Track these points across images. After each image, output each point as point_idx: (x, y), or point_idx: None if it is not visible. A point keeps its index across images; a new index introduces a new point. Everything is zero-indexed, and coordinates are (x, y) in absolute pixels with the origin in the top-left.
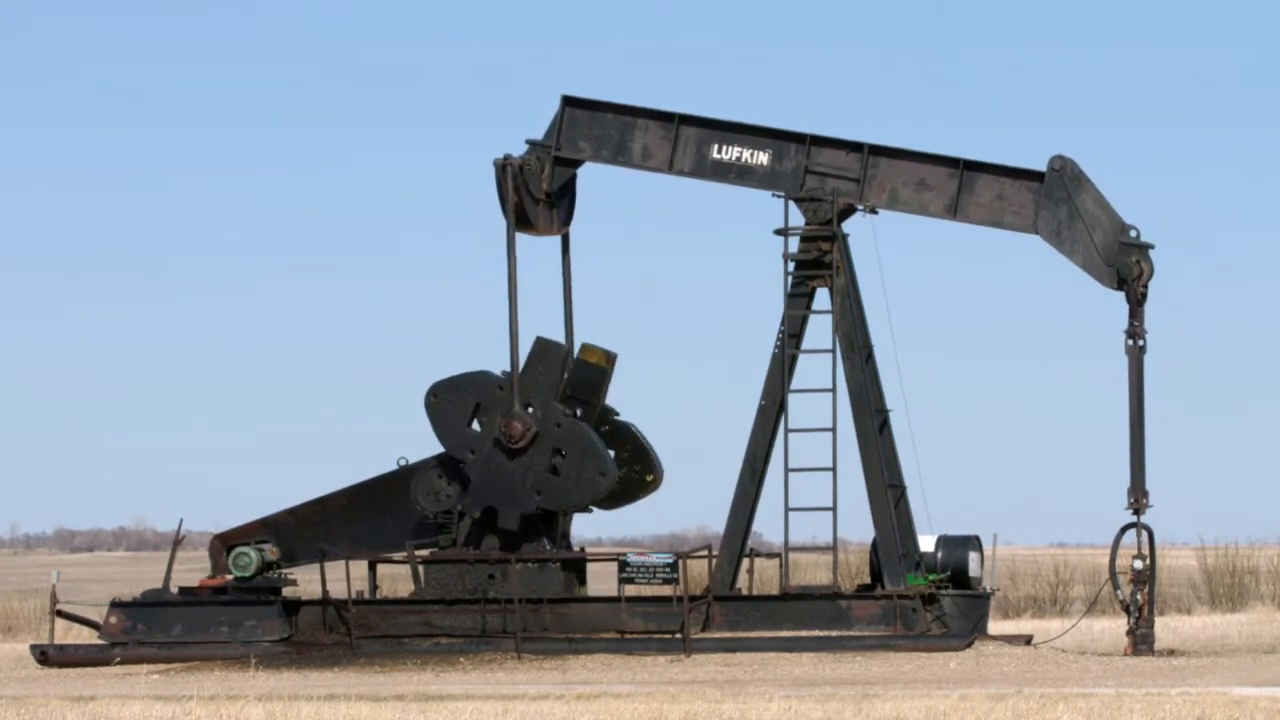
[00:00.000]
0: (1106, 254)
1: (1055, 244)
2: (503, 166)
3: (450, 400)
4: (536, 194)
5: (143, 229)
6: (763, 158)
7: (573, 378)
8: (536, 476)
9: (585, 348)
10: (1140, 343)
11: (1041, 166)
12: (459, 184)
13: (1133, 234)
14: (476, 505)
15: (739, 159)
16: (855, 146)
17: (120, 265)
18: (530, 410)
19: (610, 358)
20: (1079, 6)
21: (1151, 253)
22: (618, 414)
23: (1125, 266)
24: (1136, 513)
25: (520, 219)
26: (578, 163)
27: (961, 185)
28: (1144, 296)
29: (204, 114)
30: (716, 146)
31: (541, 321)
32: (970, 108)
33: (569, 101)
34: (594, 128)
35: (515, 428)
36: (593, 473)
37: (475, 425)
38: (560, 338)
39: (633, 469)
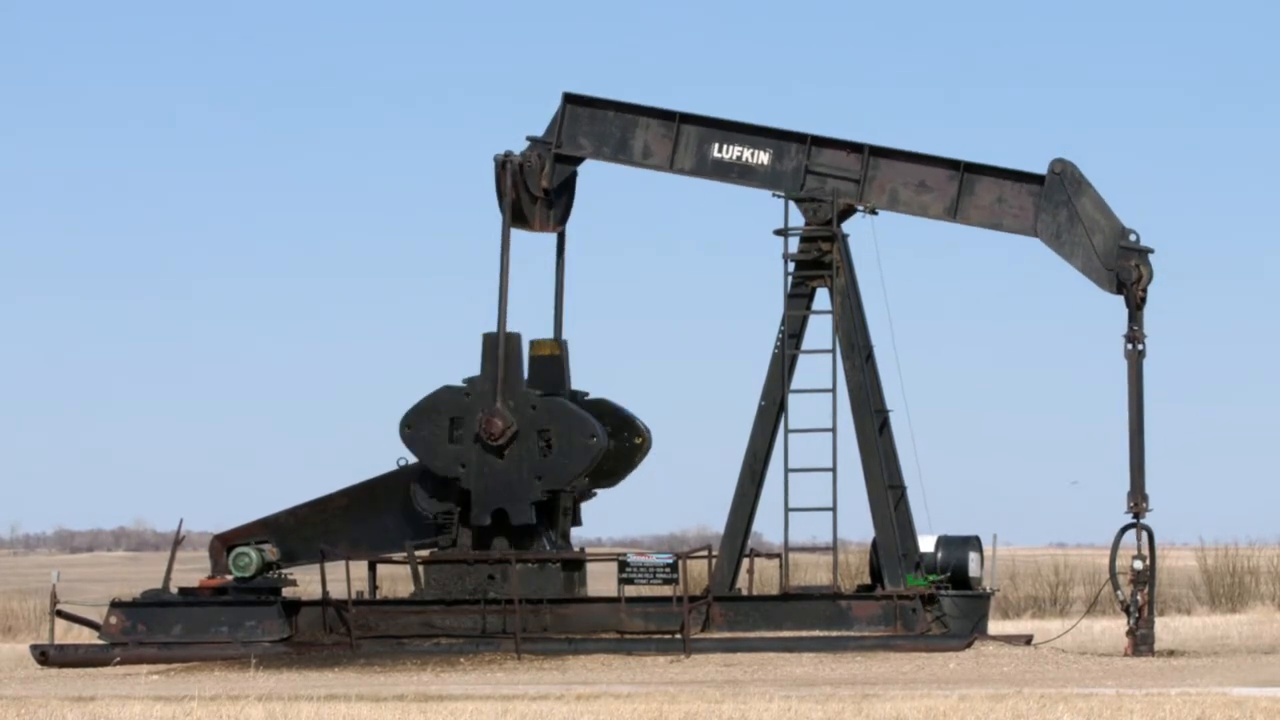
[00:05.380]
0: (1106, 258)
1: (1055, 247)
2: (502, 164)
3: (424, 424)
4: (535, 191)
5: (144, 229)
6: (763, 157)
7: (532, 375)
8: (531, 464)
9: (534, 343)
10: (1140, 347)
11: (1041, 169)
12: (460, 184)
13: (1132, 238)
14: (485, 512)
15: (740, 158)
16: (856, 147)
17: (120, 265)
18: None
19: (560, 345)
20: (1083, 7)
21: (1151, 257)
22: (588, 394)
23: (1124, 270)
24: (1136, 516)
25: (516, 215)
26: (578, 160)
27: (962, 187)
28: (1143, 301)
29: (208, 114)
30: (717, 146)
31: (532, 319)
32: (971, 108)
33: (570, 99)
34: (595, 125)
35: (496, 425)
36: (583, 439)
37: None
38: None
39: (620, 437)
